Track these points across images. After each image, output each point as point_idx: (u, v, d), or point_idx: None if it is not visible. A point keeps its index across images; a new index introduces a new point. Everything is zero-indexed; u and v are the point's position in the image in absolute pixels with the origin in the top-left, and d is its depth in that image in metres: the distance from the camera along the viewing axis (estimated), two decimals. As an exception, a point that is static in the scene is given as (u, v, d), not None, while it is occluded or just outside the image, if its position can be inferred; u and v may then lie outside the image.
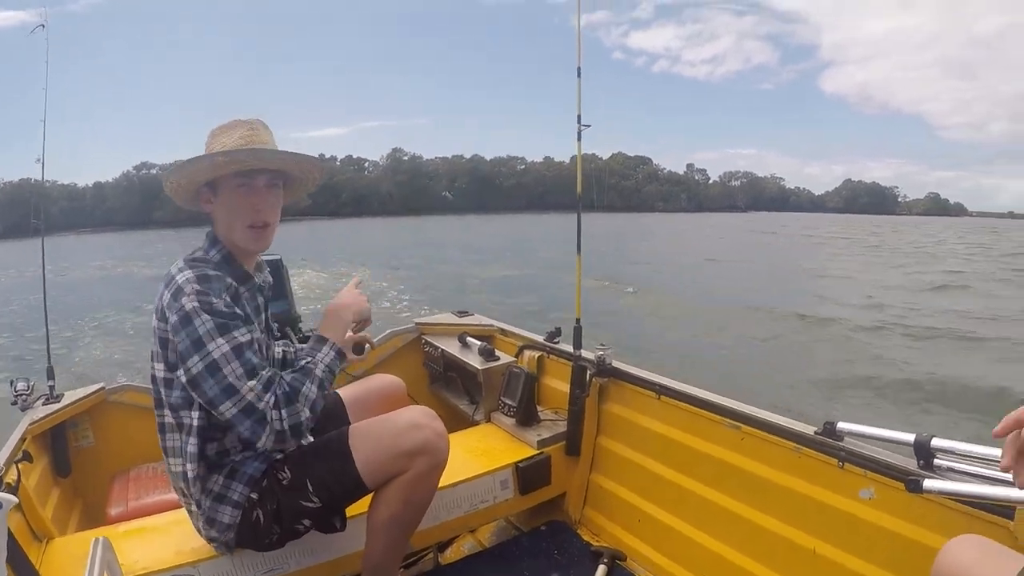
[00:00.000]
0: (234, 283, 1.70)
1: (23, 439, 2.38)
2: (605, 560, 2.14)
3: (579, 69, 2.38)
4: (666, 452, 2.18)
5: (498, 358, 2.76)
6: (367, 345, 2.21)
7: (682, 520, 2.11)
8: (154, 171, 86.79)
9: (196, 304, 1.56)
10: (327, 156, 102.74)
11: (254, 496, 1.76)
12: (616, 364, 2.35)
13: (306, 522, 1.79)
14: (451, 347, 3.00)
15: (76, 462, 2.71)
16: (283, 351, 2.19)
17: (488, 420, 2.72)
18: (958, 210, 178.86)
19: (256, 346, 1.64)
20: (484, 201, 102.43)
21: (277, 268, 3.27)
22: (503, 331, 3.08)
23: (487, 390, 2.72)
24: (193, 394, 1.61)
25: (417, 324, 3.31)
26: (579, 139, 2.38)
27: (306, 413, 1.64)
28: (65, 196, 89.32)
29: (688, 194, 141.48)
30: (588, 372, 2.37)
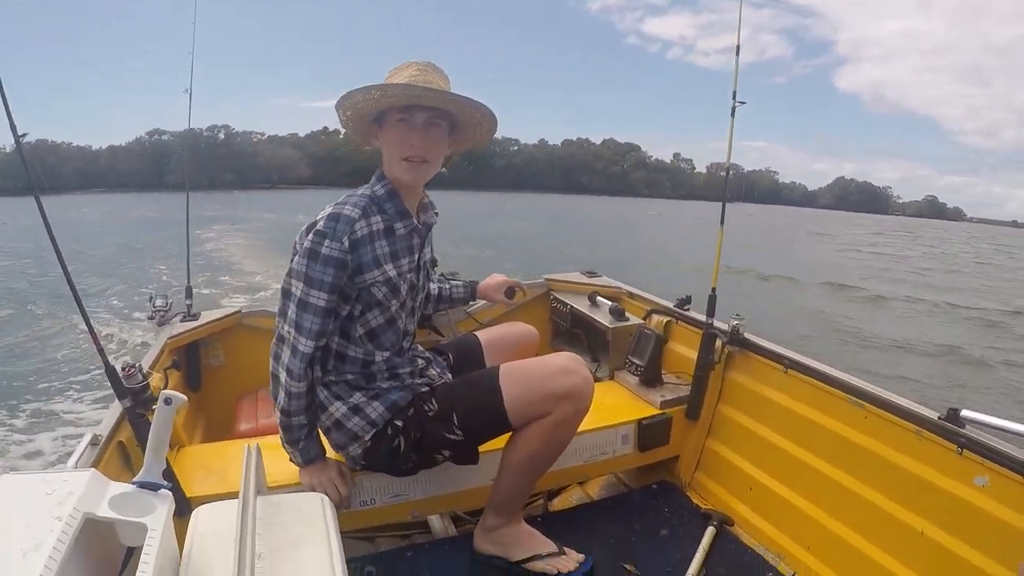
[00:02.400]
0: (390, 219, 1.83)
1: (162, 351, 2.58)
2: (714, 522, 2.18)
3: (738, 47, 2.40)
4: (786, 424, 2.21)
5: (628, 319, 2.84)
6: (517, 290, 2.37)
7: (794, 492, 2.14)
8: (165, 137, 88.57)
9: (309, 246, 1.71)
10: (330, 129, 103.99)
11: (398, 423, 1.89)
12: (747, 335, 2.39)
13: (445, 452, 1.92)
14: (580, 305, 3.08)
15: (205, 379, 2.92)
16: (438, 288, 2.37)
17: (611, 378, 2.78)
18: (955, 214, 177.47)
19: (323, 314, 1.75)
20: (478, 179, 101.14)
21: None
22: (631, 294, 3.14)
23: (614, 349, 2.79)
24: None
25: (546, 280, 3.39)
26: (732, 115, 2.40)
27: (284, 406, 1.82)
28: (79, 158, 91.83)
29: (672, 182, 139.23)
30: (719, 340, 2.42)
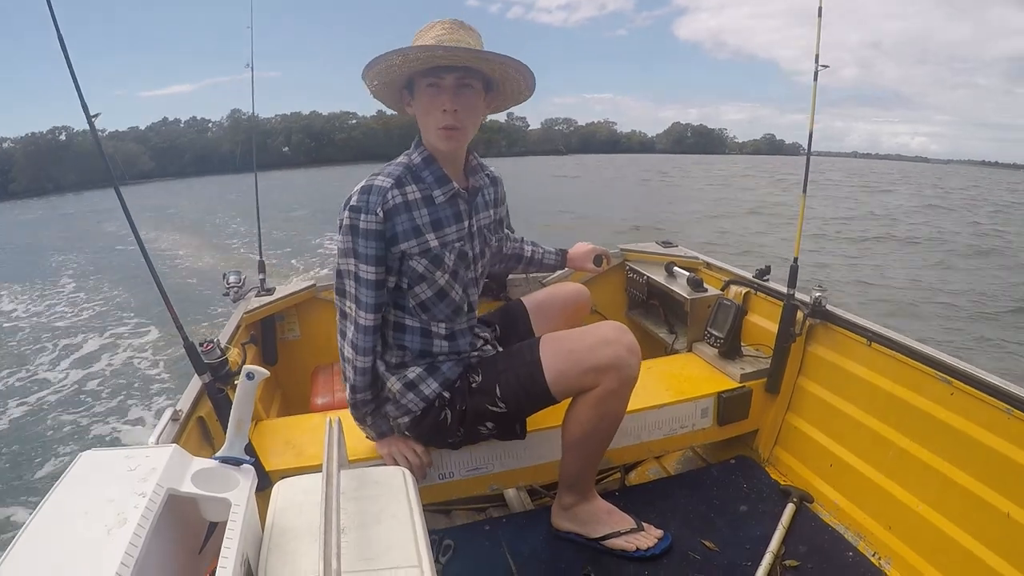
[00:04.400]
0: (427, 187, 1.77)
1: (238, 326, 2.61)
2: (794, 499, 2.14)
3: (820, 8, 2.29)
4: (869, 400, 2.14)
5: (706, 290, 2.78)
6: (604, 258, 2.35)
7: (876, 470, 2.07)
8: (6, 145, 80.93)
9: (348, 222, 1.70)
10: (170, 119, 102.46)
11: (446, 395, 1.88)
12: (829, 307, 2.31)
13: (489, 424, 1.90)
14: (657, 275, 3.03)
15: (281, 353, 2.95)
16: (531, 251, 2.41)
17: (689, 350, 2.73)
18: (793, 150, 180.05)
19: (375, 287, 1.76)
20: (320, 154, 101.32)
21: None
22: (709, 264, 3.07)
23: (692, 320, 2.74)
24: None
25: (622, 250, 3.34)
26: (815, 79, 2.30)
27: (352, 382, 1.84)
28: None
29: (508, 140, 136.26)
30: (800, 312, 2.35)
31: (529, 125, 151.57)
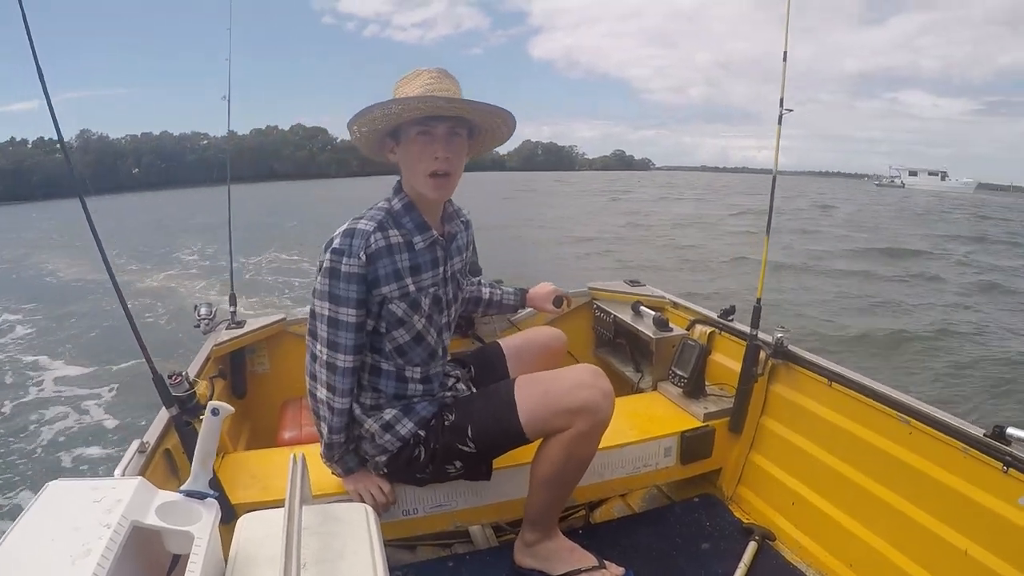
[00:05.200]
0: (408, 233, 1.80)
1: (208, 358, 2.61)
2: (756, 537, 2.16)
3: (785, 53, 2.36)
4: (830, 439, 2.17)
5: (671, 329, 2.81)
6: (564, 300, 2.39)
7: (836, 508, 2.11)
8: None
9: (328, 265, 1.72)
10: (17, 139, 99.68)
11: (421, 433, 1.89)
12: (791, 347, 2.35)
13: (457, 464, 1.92)
14: (624, 314, 3.06)
15: (251, 385, 2.95)
16: (489, 292, 2.42)
17: (655, 388, 2.77)
18: (643, 165, 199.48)
19: (355, 329, 1.78)
20: (171, 176, 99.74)
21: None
22: (675, 304, 3.11)
23: (658, 359, 2.77)
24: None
25: (589, 288, 3.37)
26: (780, 123, 2.35)
27: (328, 423, 1.86)
28: None
29: (359, 160, 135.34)
30: (763, 352, 2.39)
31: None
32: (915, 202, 53.22)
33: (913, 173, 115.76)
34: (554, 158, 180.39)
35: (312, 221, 26.06)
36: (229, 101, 3.24)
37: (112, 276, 1.81)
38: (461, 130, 1.78)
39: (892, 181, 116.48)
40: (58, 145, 1.72)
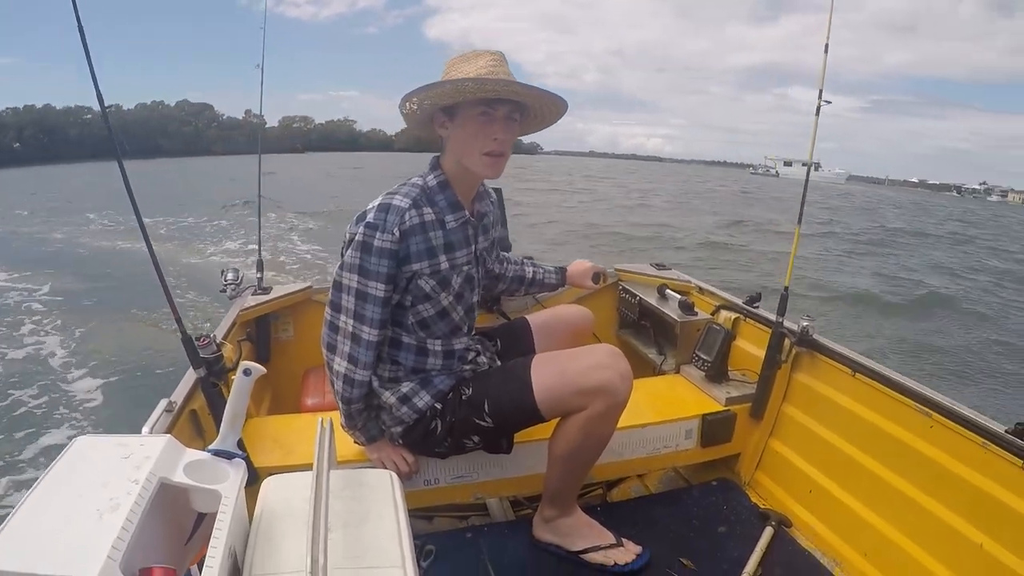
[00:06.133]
0: (441, 211, 1.81)
1: (234, 323, 2.63)
2: (772, 523, 2.16)
3: (827, 45, 2.32)
4: (851, 428, 2.17)
5: (696, 313, 2.82)
6: (602, 276, 2.42)
7: (854, 497, 2.10)
8: None
9: (361, 238, 1.72)
10: None
11: (437, 406, 1.91)
12: (816, 336, 2.34)
13: (475, 438, 1.93)
14: (649, 296, 3.06)
15: (274, 352, 2.97)
16: (532, 271, 2.45)
17: (677, 371, 2.77)
18: (531, 149, 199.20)
19: (382, 303, 1.77)
20: (54, 151, 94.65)
21: (498, 197, 3.44)
22: (700, 288, 3.10)
23: (682, 343, 2.78)
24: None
25: (616, 269, 3.37)
26: (817, 114, 2.33)
27: (346, 394, 1.86)
28: None
29: (245, 137, 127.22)
30: (787, 340, 2.38)
31: (267, 123, 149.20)
32: (769, 189, 58.23)
33: (788, 163, 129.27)
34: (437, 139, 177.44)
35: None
36: (263, 72, 3.34)
37: (147, 239, 1.82)
38: (517, 115, 1.80)
39: (767, 171, 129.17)
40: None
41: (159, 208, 20.14)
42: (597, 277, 2.49)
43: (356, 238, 1.73)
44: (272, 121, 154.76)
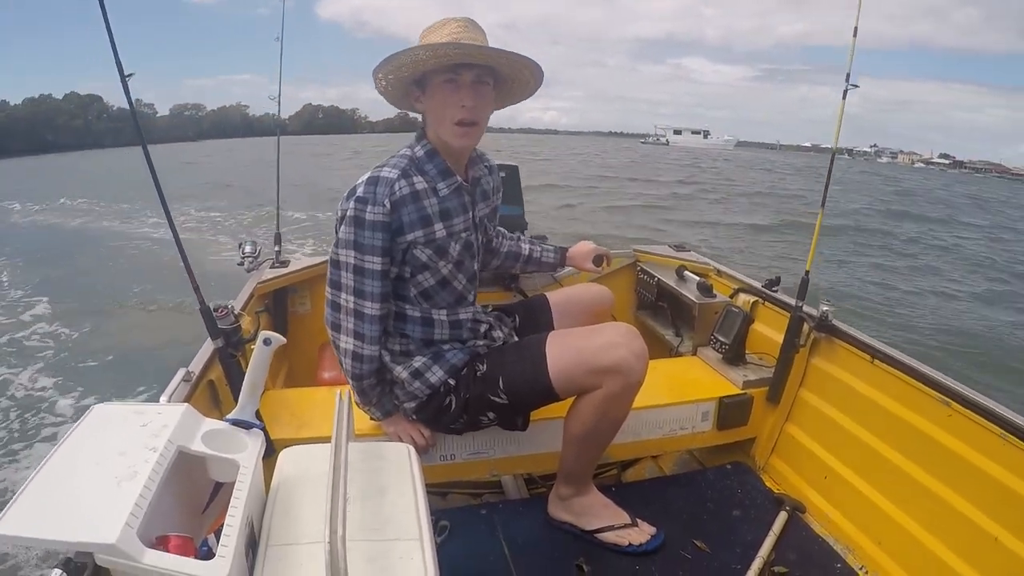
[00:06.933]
0: (432, 179, 1.79)
1: (251, 295, 2.63)
2: (787, 508, 2.15)
3: (855, 28, 2.29)
4: (868, 415, 2.15)
5: (715, 296, 2.80)
6: (604, 259, 2.36)
7: (869, 484, 2.09)
8: None
9: (352, 213, 1.70)
10: None
11: (451, 382, 1.90)
12: (835, 322, 2.32)
13: (490, 415, 1.92)
14: (668, 278, 3.05)
15: (291, 325, 2.97)
16: (529, 249, 2.40)
17: (694, 353, 2.75)
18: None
19: (381, 277, 1.76)
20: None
21: (513, 174, 3.42)
22: (719, 271, 3.08)
23: (699, 324, 2.76)
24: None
25: (635, 250, 3.36)
26: (844, 98, 2.29)
27: (356, 371, 1.85)
28: None
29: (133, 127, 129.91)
30: (807, 325, 2.36)
31: (157, 112, 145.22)
32: (655, 157, 62.32)
33: (678, 132, 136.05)
34: (336, 121, 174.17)
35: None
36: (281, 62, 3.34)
37: (170, 220, 1.82)
38: (488, 79, 1.76)
39: (658, 139, 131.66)
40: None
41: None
42: (599, 260, 2.43)
43: (348, 213, 1.71)
44: (163, 109, 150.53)
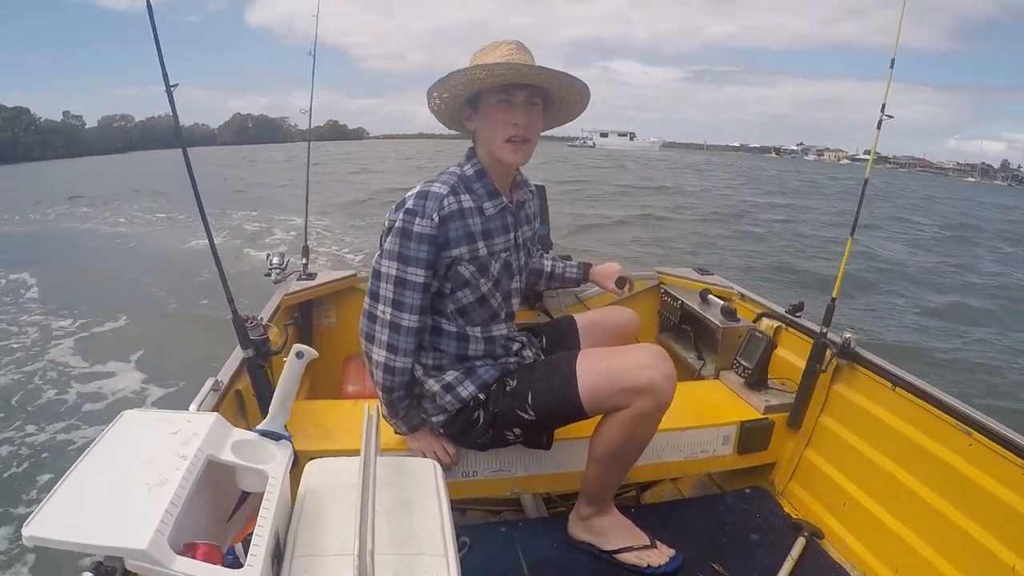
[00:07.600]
0: (479, 198, 1.83)
1: (278, 307, 2.65)
2: (805, 534, 2.13)
3: (892, 60, 2.29)
4: (888, 443, 2.13)
5: (738, 320, 2.79)
6: (627, 282, 2.36)
7: (888, 512, 2.07)
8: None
9: (400, 225, 1.73)
10: None
11: (481, 396, 1.90)
12: (858, 349, 2.31)
13: (516, 431, 1.92)
14: (691, 301, 3.04)
15: (317, 337, 2.99)
16: (551, 265, 2.41)
17: (716, 377, 2.74)
18: (358, 134, 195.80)
19: (422, 289, 1.78)
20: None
21: (540, 194, 3.43)
22: (743, 296, 3.08)
23: (723, 348, 2.75)
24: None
25: (658, 272, 3.36)
26: (879, 127, 2.31)
27: (387, 383, 1.85)
28: None
29: (65, 140, 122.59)
30: (829, 351, 2.35)
31: (86, 124, 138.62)
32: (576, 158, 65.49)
33: (604, 134, 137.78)
34: (267, 130, 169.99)
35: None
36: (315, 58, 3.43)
37: (206, 224, 1.84)
38: (538, 99, 1.81)
39: (584, 142, 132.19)
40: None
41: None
42: (622, 282, 2.45)
43: (396, 225, 1.74)
44: (91, 121, 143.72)
